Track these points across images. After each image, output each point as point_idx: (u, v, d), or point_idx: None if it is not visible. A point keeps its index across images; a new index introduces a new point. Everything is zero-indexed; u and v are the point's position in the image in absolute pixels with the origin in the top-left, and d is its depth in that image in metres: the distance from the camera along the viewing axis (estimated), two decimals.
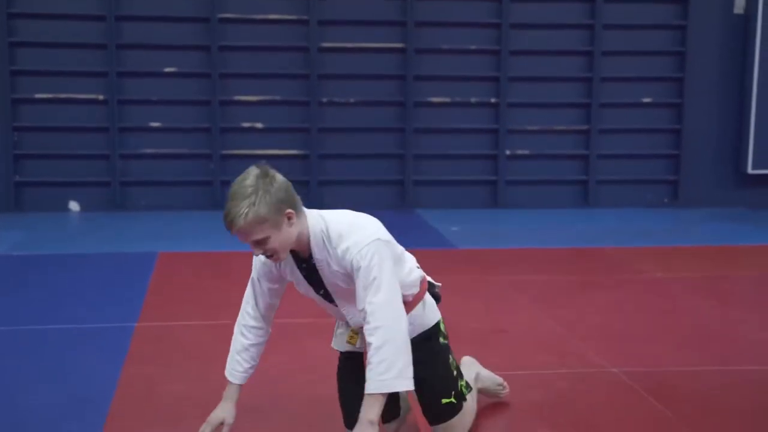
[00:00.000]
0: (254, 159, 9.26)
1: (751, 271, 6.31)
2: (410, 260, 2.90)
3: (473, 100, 9.07)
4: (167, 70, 8.69)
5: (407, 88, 8.91)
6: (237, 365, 2.96)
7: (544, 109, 9.15)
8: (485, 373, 3.38)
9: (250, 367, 2.97)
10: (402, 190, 8.99)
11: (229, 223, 2.57)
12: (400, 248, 2.84)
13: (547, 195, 9.23)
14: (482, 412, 3.32)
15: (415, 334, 2.83)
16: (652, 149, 9.31)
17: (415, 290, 2.86)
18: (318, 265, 2.72)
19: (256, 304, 2.92)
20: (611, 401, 3.61)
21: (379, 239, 2.64)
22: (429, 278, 3.01)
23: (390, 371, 2.56)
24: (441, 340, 2.94)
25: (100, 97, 8.63)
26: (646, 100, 9.23)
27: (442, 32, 8.98)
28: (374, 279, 2.59)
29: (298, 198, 2.67)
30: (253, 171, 2.60)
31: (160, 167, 8.80)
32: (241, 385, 2.98)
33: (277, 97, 8.84)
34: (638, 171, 9.31)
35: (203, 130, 8.79)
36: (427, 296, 2.92)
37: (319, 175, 8.87)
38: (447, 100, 9.03)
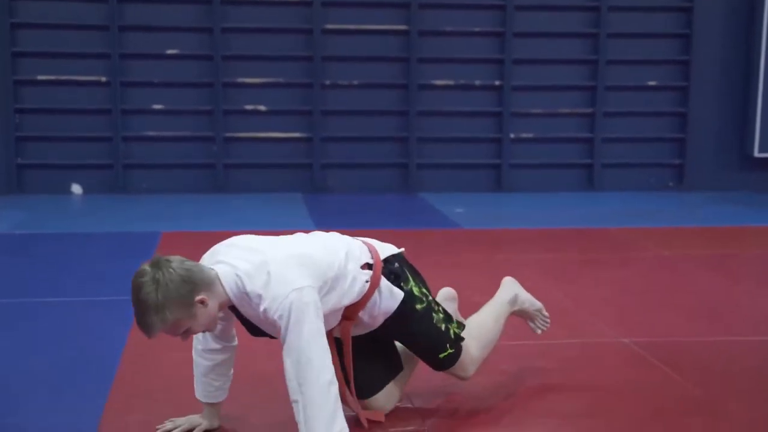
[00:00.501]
0: (257, 141, 9.27)
1: (759, 250, 6.28)
2: (352, 269, 2.73)
3: (477, 82, 9.02)
4: (170, 52, 8.64)
5: (411, 71, 8.86)
6: (208, 386, 2.86)
7: (548, 92, 9.09)
8: (524, 295, 3.32)
9: (223, 383, 2.88)
10: (405, 173, 8.93)
11: (145, 334, 2.50)
12: (335, 265, 2.67)
13: (552, 178, 9.18)
14: (492, 380, 3.29)
15: (380, 321, 2.84)
16: (657, 132, 9.26)
17: (363, 291, 2.76)
18: (245, 316, 2.65)
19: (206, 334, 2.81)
20: (622, 368, 3.58)
21: (295, 290, 2.51)
22: (388, 250, 2.91)
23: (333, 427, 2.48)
24: (417, 306, 2.87)
25: (103, 79, 8.58)
26: (652, 83, 9.17)
27: (446, 14, 8.91)
28: (289, 334, 2.49)
29: (202, 273, 2.51)
30: (146, 274, 2.45)
31: (162, 150, 8.75)
32: (220, 404, 2.90)
33: (281, 80, 8.79)
34: (643, 154, 9.26)
35: (206, 112, 8.74)
36: (383, 284, 2.80)
37: (322, 158, 8.82)
38: (451, 82, 8.98)
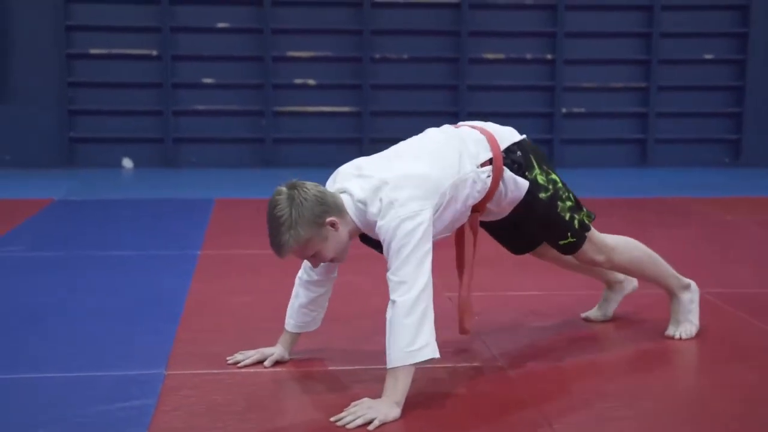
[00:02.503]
0: (306, 116, 9.24)
1: None
2: (471, 171, 2.66)
3: (528, 56, 8.91)
4: (220, 25, 8.64)
5: (461, 44, 8.77)
6: (305, 317, 2.85)
7: (601, 65, 8.95)
8: (695, 299, 3.19)
9: (319, 314, 2.88)
10: None
11: (276, 253, 2.53)
12: (450, 174, 2.61)
13: (604, 154, 9.04)
14: (566, 323, 3.21)
15: (509, 210, 2.83)
16: (713, 107, 9.07)
17: (486, 188, 2.71)
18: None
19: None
20: None
21: (406, 218, 2.47)
22: (508, 138, 2.79)
23: (414, 343, 2.42)
24: (541, 195, 2.81)
25: (154, 53, 8.61)
26: (708, 56, 8.99)
27: None
28: (398, 256, 2.46)
29: (335, 198, 2.55)
30: (282, 193, 2.49)
31: (211, 124, 8.76)
32: (299, 337, 2.88)
33: (330, 53, 8.75)
34: (699, 129, 9.08)
35: (255, 86, 8.73)
36: (506, 175, 2.73)
37: (372, 132, 8.76)
38: (501, 56, 8.88)
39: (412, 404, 2.45)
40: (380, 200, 2.52)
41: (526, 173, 2.78)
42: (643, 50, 8.96)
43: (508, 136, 2.82)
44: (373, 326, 3.18)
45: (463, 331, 2.86)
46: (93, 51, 8.54)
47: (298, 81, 8.76)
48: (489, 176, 2.71)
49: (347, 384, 2.66)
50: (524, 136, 2.89)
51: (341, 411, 2.40)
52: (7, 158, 8.55)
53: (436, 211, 2.57)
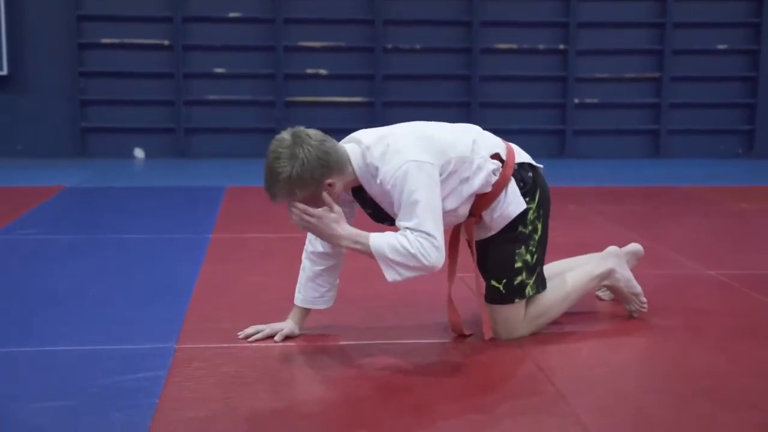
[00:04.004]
0: (318, 106, 9.24)
1: None
2: (479, 155, 2.62)
3: (541, 46, 8.87)
4: (232, 15, 8.64)
5: (473, 34, 8.74)
6: (313, 291, 2.80)
7: (613, 56, 8.91)
8: (623, 273, 3.01)
9: (329, 290, 2.82)
10: None
11: (270, 199, 2.54)
12: (459, 146, 2.59)
13: (617, 145, 9.00)
14: (585, 304, 3.18)
15: (499, 227, 2.72)
16: (726, 98, 9.02)
17: (489, 182, 2.65)
18: (370, 194, 2.62)
19: None
20: (711, 295, 3.45)
21: (412, 161, 2.47)
22: (527, 158, 2.79)
23: (395, 259, 2.46)
24: (520, 228, 2.73)
25: (165, 43, 8.61)
26: (721, 46, 8.93)
27: None
28: (407, 202, 2.46)
29: (338, 154, 2.51)
30: (285, 144, 2.47)
31: (223, 114, 8.76)
32: (309, 312, 2.84)
33: (342, 43, 8.74)
34: (712, 121, 9.03)
35: (267, 76, 8.73)
36: (511, 186, 2.69)
37: (384, 122, 8.69)
38: (514, 46, 8.84)
39: (422, 377, 2.43)
40: (387, 145, 2.51)
41: (527, 199, 2.73)
42: (656, 41, 8.91)
43: (526, 155, 2.81)
44: (384, 305, 3.17)
45: (462, 333, 2.82)
46: (104, 41, 8.55)
47: (309, 71, 8.75)
48: (495, 174, 2.66)
49: (357, 358, 2.64)
50: (542, 166, 2.85)
51: (350, 385, 2.40)
52: (19, 148, 8.58)
53: (440, 175, 2.54)
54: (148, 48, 8.61)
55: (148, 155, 8.73)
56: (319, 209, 2.50)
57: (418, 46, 8.78)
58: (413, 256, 2.45)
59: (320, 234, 2.53)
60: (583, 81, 8.90)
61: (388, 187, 2.49)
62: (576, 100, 8.90)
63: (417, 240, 2.45)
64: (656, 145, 9.02)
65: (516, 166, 2.73)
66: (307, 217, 2.49)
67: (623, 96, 8.96)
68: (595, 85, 8.92)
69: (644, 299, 3.07)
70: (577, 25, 8.80)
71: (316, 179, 2.47)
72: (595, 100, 8.94)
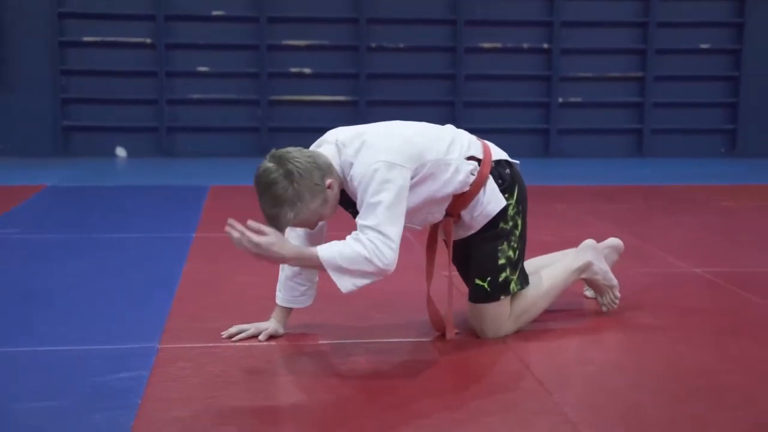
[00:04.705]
0: (302, 105, 9.20)
1: None
2: (456, 158, 2.60)
3: (525, 45, 8.88)
4: (215, 13, 8.59)
5: (458, 33, 8.73)
6: (293, 290, 2.77)
7: (597, 55, 8.93)
8: (600, 266, 3.01)
9: (308, 288, 2.80)
10: None
11: (278, 229, 2.45)
12: (435, 150, 2.55)
13: (600, 144, 9.02)
14: (566, 300, 3.17)
15: (479, 225, 2.71)
16: (709, 97, 9.06)
17: (467, 182, 2.64)
18: (348, 193, 2.58)
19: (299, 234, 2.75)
20: (698, 293, 3.45)
21: (383, 161, 2.43)
22: (503, 155, 2.77)
23: (348, 267, 2.41)
24: (501, 225, 2.72)
25: (148, 41, 8.55)
26: (704, 45, 8.97)
27: None
28: (370, 201, 2.42)
29: (322, 158, 2.47)
30: (272, 170, 2.41)
31: (206, 113, 8.71)
32: (291, 311, 2.81)
33: (326, 42, 8.71)
34: (695, 120, 9.06)
35: (251, 75, 8.68)
36: (489, 184, 2.68)
37: (368, 121, 8.66)
38: (498, 45, 8.84)
39: (405, 376, 2.41)
40: (362, 143, 2.48)
41: (506, 195, 2.72)
42: (639, 40, 8.93)
43: (502, 152, 2.79)
44: (367, 303, 3.14)
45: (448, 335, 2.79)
46: (86, 39, 8.48)
47: (293, 70, 8.72)
48: (473, 174, 2.65)
49: (341, 357, 2.62)
50: (518, 161, 2.84)
51: (333, 383, 2.38)
52: (0, 146, 8.49)
53: (413, 178, 2.51)
54: (131, 46, 8.55)
55: (131, 154, 8.67)
56: (256, 237, 2.40)
57: (402, 45, 8.76)
58: (367, 260, 2.40)
59: (266, 259, 2.46)
60: (567, 80, 8.91)
61: (356, 183, 2.47)
62: (560, 99, 8.91)
63: (371, 242, 2.40)
64: (640, 144, 9.04)
65: (493, 164, 2.72)
66: (246, 245, 2.41)
67: (607, 95, 8.98)
68: (579, 84, 8.94)
69: (618, 293, 3.07)
70: (561, 24, 8.81)
71: (318, 184, 2.44)
72: (579, 100, 8.95)
